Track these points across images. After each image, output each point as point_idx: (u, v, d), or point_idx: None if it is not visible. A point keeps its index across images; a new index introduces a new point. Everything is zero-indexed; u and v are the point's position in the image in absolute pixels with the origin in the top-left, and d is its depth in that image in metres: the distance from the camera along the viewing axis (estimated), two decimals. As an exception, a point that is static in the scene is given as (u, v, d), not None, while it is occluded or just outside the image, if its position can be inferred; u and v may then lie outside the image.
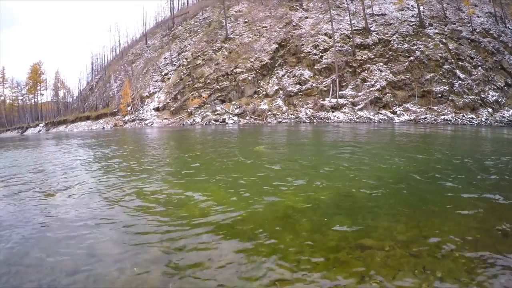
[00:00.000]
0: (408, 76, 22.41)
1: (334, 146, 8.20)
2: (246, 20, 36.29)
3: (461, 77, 21.38)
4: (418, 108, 20.14)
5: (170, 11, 53.39)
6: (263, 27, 33.76)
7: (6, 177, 5.68)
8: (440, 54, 22.82)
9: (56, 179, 5.16)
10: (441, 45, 23.67)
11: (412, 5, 28.58)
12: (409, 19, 27.24)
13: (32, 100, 61.03)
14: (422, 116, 18.86)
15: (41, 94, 59.72)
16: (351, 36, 27.13)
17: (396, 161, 5.58)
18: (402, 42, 25.01)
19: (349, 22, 28.38)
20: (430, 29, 25.57)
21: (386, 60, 24.38)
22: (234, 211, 3.05)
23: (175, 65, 37.53)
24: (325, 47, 27.76)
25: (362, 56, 25.29)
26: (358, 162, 5.57)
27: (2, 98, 65.03)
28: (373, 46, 25.92)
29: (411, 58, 23.39)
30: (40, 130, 49.88)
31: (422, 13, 26.62)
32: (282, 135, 12.97)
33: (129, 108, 36.99)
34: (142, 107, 36.29)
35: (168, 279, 1.96)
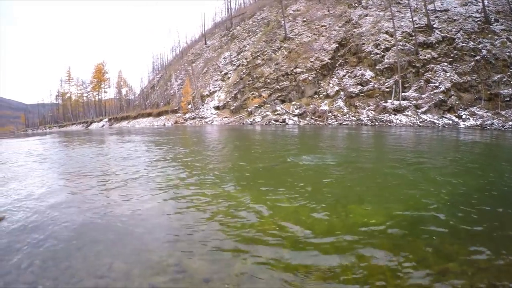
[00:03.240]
0: (474, 77, 22.68)
1: (402, 156, 7.73)
2: (305, 19, 37.81)
3: (532, 78, 21.31)
4: (485, 112, 20.41)
5: (228, 11, 56.15)
6: (322, 26, 35.13)
7: (73, 171, 6.41)
8: (508, 53, 22.86)
9: (118, 176, 5.57)
10: (508, 43, 23.58)
11: (476, -1, 28.22)
12: (473, 15, 27.11)
13: (97, 97, 66.63)
14: (489, 122, 19.07)
15: (105, 92, 65.36)
16: (413, 34, 27.67)
17: (472, 178, 5.15)
18: (467, 40, 25.15)
19: (410, 19, 28.89)
20: (496, 25, 25.39)
21: (450, 59, 24.75)
22: (303, 225, 3.06)
23: (234, 64, 39.78)
24: (387, 46, 28.63)
25: (425, 56, 25.83)
26: (428, 177, 5.22)
27: (69, 95, 72.09)
28: (437, 45, 26.29)
29: (477, 57, 23.51)
30: (103, 125, 54.71)
31: (486, 8, 26.34)
32: (345, 140, 13.04)
33: (189, 106, 39.78)
34: (203, 105, 38.85)
35: None
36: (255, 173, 5.64)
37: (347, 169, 5.90)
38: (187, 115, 39.01)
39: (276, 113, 29.74)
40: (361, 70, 28.30)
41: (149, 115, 47.59)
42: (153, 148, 10.65)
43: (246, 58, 38.07)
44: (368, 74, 27.56)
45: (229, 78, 39.27)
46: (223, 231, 2.96)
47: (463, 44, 24.83)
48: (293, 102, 30.13)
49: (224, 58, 43.10)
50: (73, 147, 12.59)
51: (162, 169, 6.27)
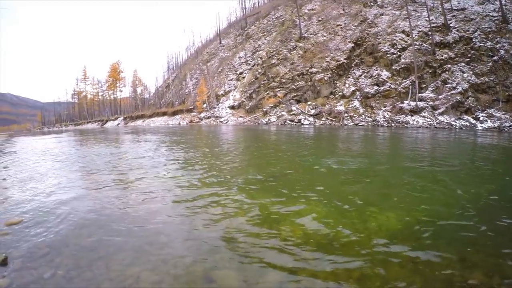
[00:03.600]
0: (492, 78, 22.61)
1: (420, 161, 7.53)
2: (320, 19, 38.02)
3: (551, 78, 21.24)
4: (503, 114, 20.37)
5: (242, 11, 56.80)
6: (337, 25, 35.29)
7: (90, 171, 6.48)
8: (527, 54, 22.65)
9: (136, 178, 5.59)
10: (528, 43, 23.38)
11: (493, -3, 28.04)
12: (490, 14, 26.97)
13: (112, 96, 68.02)
14: (507, 124, 19.03)
15: (120, 91, 66.72)
16: (429, 33, 27.61)
17: (493, 185, 4.98)
18: (484, 39, 25.05)
19: (427, 18, 28.84)
20: (515, 24, 25.15)
21: (468, 60, 24.69)
22: (326, 236, 2.98)
23: (249, 64, 40.29)
24: (403, 45, 28.72)
25: (442, 56, 25.84)
26: (447, 184, 5.06)
27: (84, 93, 73.80)
28: (454, 45, 26.24)
29: (495, 57, 23.40)
30: (119, 124, 55.80)
31: (504, 7, 26.22)
32: (362, 142, 12.88)
33: (204, 105, 40.48)
34: (218, 105, 39.48)
35: None
36: (270, 178, 5.50)
37: (364, 175, 5.80)
38: (202, 115, 39.72)
39: (291, 113, 30.04)
40: (377, 70, 28.47)
41: (164, 114, 48.55)
42: (170, 148, 10.75)
43: (261, 58, 38.51)
44: (384, 74, 27.71)
45: (244, 77, 39.80)
46: (245, 238, 2.93)
47: (481, 44, 24.73)
48: (309, 102, 30.39)
49: (239, 57, 43.68)
50: (90, 146, 12.80)
51: (179, 170, 6.33)
